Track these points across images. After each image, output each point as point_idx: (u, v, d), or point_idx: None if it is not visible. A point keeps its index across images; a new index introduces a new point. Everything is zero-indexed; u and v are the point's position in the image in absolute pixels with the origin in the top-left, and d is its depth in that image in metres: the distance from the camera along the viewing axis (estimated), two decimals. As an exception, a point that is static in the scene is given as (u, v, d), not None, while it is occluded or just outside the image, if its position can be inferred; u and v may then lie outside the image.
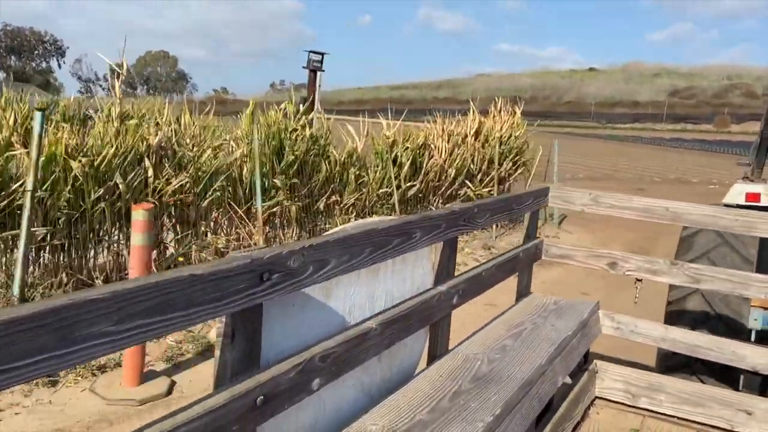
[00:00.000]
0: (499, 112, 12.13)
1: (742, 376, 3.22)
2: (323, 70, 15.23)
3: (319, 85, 15.36)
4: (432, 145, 10.30)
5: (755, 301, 2.91)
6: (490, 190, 10.90)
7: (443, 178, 10.43)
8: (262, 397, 1.41)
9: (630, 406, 3.04)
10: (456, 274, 2.46)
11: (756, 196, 3.56)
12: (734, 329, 3.34)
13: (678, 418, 2.92)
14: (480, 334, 2.70)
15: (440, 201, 10.50)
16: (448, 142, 10.53)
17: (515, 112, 12.23)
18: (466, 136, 11.06)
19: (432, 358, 2.39)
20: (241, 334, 1.41)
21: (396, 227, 1.93)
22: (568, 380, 2.85)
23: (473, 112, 11.34)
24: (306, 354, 1.60)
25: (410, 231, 2.01)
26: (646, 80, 72.96)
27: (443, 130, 10.74)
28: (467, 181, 10.74)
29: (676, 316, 3.53)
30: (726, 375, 3.19)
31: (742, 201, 3.57)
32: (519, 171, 11.99)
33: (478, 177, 11.11)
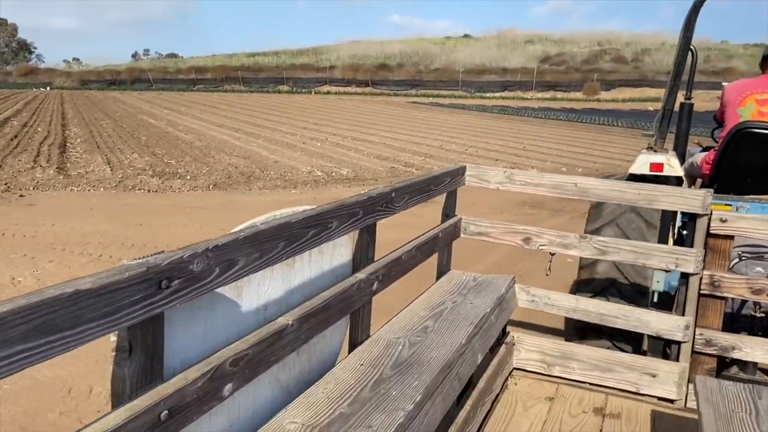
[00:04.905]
0: None
1: (646, 338, 3.62)
2: None
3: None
4: None
5: None
6: None
7: None
8: (166, 411, 1.38)
9: (545, 374, 3.37)
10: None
11: (659, 166, 4.02)
12: (639, 291, 3.77)
13: (589, 383, 3.27)
14: (401, 315, 2.83)
15: None
16: None
17: None
18: None
19: (353, 346, 2.45)
20: (140, 346, 1.37)
21: (311, 218, 1.96)
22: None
23: None
24: (215, 360, 1.58)
25: (326, 221, 2.05)
26: (518, 47, 76.33)
27: None
28: None
29: (586, 282, 3.92)
30: (633, 337, 3.57)
31: (646, 171, 4.02)
32: None
33: None
